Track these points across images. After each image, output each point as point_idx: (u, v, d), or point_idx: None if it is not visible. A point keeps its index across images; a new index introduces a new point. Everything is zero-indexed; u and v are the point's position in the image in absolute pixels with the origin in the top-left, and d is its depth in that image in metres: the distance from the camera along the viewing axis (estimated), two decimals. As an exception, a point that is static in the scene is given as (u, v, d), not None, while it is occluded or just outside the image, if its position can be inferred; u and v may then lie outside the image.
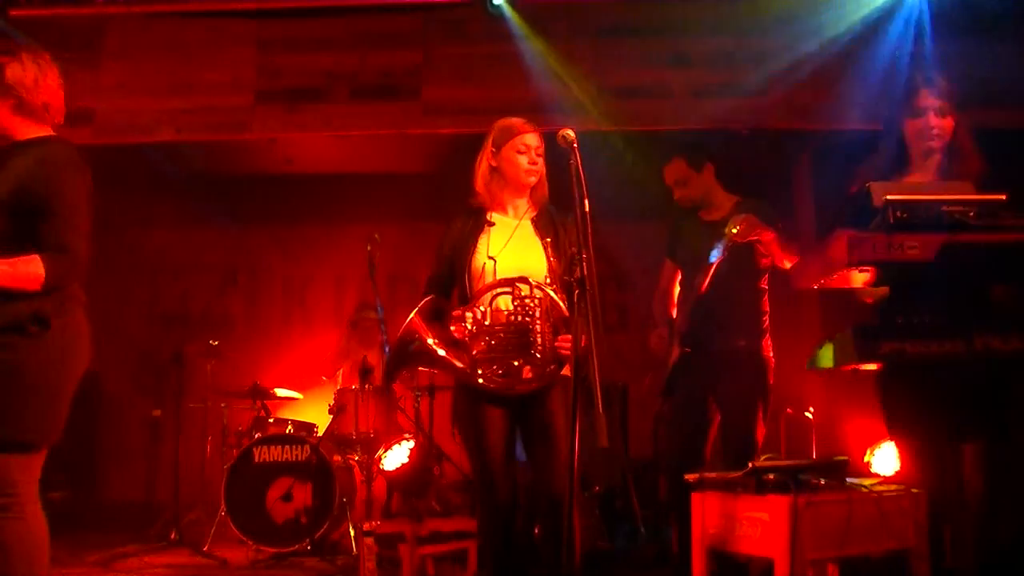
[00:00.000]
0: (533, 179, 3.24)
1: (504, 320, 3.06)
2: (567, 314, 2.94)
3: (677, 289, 4.00)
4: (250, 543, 5.19)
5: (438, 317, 3.15)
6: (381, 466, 5.54)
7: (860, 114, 5.41)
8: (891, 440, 3.07)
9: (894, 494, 2.89)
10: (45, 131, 2.92)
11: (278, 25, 5.95)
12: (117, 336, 7.92)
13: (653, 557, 4.59)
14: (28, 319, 2.65)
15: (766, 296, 3.82)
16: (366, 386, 5.45)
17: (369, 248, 4.94)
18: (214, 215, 7.80)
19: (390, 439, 5.59)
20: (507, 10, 5.51)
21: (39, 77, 2.90)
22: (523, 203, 3.29)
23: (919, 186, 2.85)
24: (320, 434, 5.58)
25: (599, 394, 2.54)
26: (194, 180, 7.19)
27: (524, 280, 3.07)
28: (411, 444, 5.60)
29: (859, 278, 2.67)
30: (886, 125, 3.04)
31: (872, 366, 2.78)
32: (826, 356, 2.75)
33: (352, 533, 5.23)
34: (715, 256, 3.51)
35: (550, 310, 3.06)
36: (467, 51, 5.80)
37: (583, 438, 2.75)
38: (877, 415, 2.92)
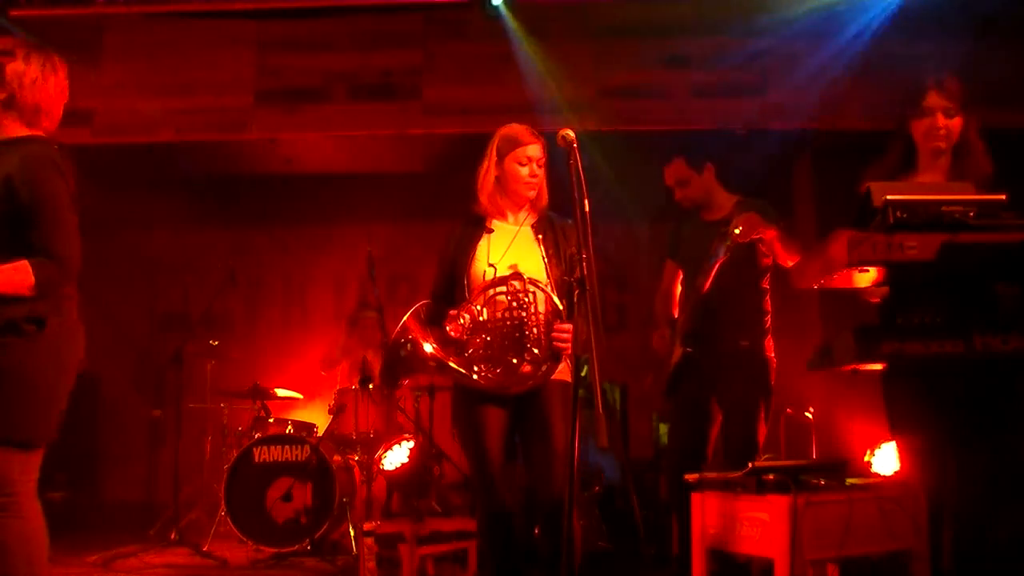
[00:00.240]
0: (533, 192, 3.25)
1: (499, 317, 3.07)
2: (562, 308, 2.94)
3: (679, 289, 4.00)
4: (250, 543, 5.19)
5: (436, 321, 3.15)
6: (381, 466, 5.54)
7: (861, 113, 5.42)
8: (893, 440, 3.07)
9: (894, 494, 2.90)
10: (33, 132, 2.91)
11: (278, 25, 5.95)
12: (117, 336, 7.92)
13: (653, 557, 4.59)
14: (24, 319, 2.65)
15: (768, 296, 3.82)
16: (366, 386, 5.45)
17: (368, 248, 4.94)
18: (214, 215, 7.80)
19: (390, 439, 5.60)
20: (504, 11, 5.51)
21: (39, 79, 2.89)
22: (523, 210, 3.30)
23: (919, 186, 2.85)
24: (320, 434, 5.58)
25: (599, 394, 2.54)
26: (194, 180, 7.19)
27: (517, 276, 3.07)
28: (411, 444, 5.60)
29: (865, 278, 2.66)
30: (895, 126, 3.03)
31: (873, 366, 2.78)
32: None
33: (352, 533, 5.23)
34: (716, 256, 3.51)
35: (545, 306, 3.06)
36: (467, 51, 5.81)
37: (583, 438, 2.76)
38: (878, 415, 2.92)
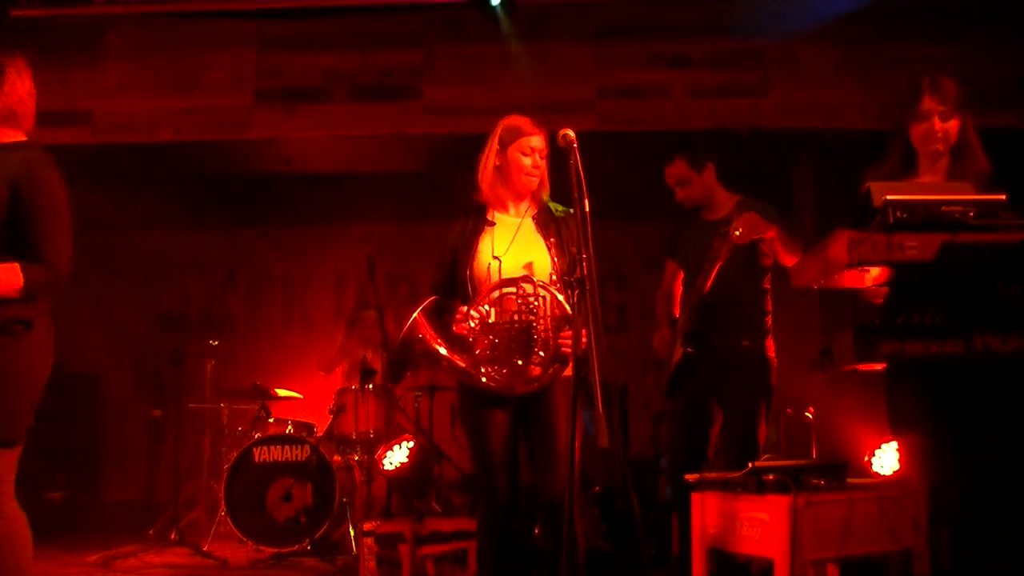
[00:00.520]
0: (534, 183, 3.24)
1: (508, 319, 3.07)
2: (570, 313, 2.94)
3: (680, 289, 4.00)
4: (250, 543, 5.19)
5: (441, 317, 3.16)
6: (381, 466, 5.54)
7: (861, 113, 5.43)
8: (893, 439, 3.07)
9: (894, 494, 2.90)
10: (18, 136, 2.92)
11: (278, 25, 5.95)
12: (117, 336, 7.93)
13: (653, 557, 4.59)
14: (13, 320, 2.67)
15: (769, 296, 3.82)
16: (366, 386, 5.45)
17: (368, 248, 4.94)
18: (214, 215, 7.80)
19: (390, 439, 5.60)
20: (500, 12, 5.51)
21: (9, 83, 2.89)
22: (524, 202, 3.29)
23: (918, 186, 2.85)
24: (320, 434, 5.58)
25: (599, 394, 2.54)
26: (194, 180, 7.19)
27: (528, 279, 3.07)
28: (411, 444, 5.60)
29: (865, 278, 2.66)
30: (894, 128, 3.03)
31: (873, 366, 2.77)
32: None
33: (352, 533, 5.23)
34: (716, 256, 3.51)
35: (553, 309, 3.06)
36: (467, 51, 5.80)
37: (583, 438, 2.76)
38: (878, 415, 2.92)
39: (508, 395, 3.09)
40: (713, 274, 3.55)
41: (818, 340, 5.31)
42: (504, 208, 3.28)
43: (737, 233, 3.41)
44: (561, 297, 3.02)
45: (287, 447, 5.40)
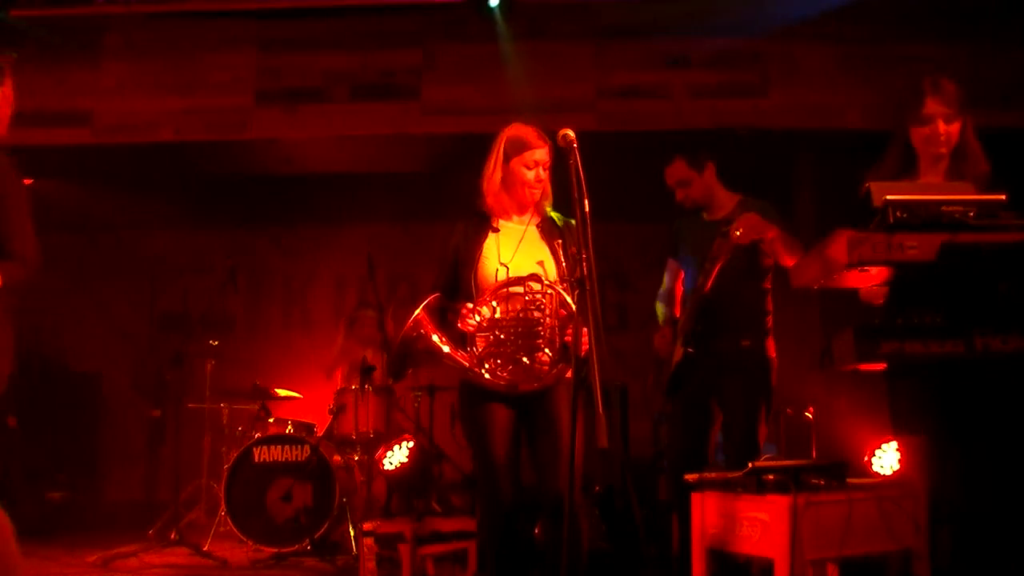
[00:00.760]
0: (537, 194, 3.25)
1: (514, 316, 3.07)
2: (575, 310, 2.94)
3: (680, 289, 4.00)
4: (250, 543, 5.19)
5: (443, 315, 3.16)
6: (381, 466, 5.54)
7: (861, 113, 5.43)
8: (894, 439, 3.07)
9: (894, 494, 2.89)
10: None
11: (278, 25, 5.95)
12: (117, 336, 7.94)
13: (653, 557, 4.59)
14: None
15: (769, 296, 3.82)
16: (366, 386, 5.45)
17: (368, 248, 4.94)
18: (214, 215, 7.80)
19: (390, 439, 5.60)
20: (497, 14, 5.52)
21: None
22: (527, 212, 3.30)
23: (918, 186, 2.85)
24: (320, 434, 5.58)
25: (599, 394, 2.54)
26: (194, 180, 7.19)
27: (536, 278, 3.08)
28: (411, 444, 5.60)
29: (869, 278, 2.66)
30: (894, 129, 3.03)
31: (873, 366, 2.77)
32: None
33: (352, 533, 5.23)
34: (717, 257, 3.50)
35: (559, 308, 3.06)
36: (467, 51, 5.80)
37: (583, 438, 2.76)
38: (878, 415, 2.92)
39: (510, 393, 3.09)
40: (714, 274, 3.55)
41: (818, 340, 5.32)
42: (507, 217, 3.29)
43: (738, 233, 3.41)
44: (568, 297, 3.03)
45: (287, 447, 5.40)
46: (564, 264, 3.14)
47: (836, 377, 3.44)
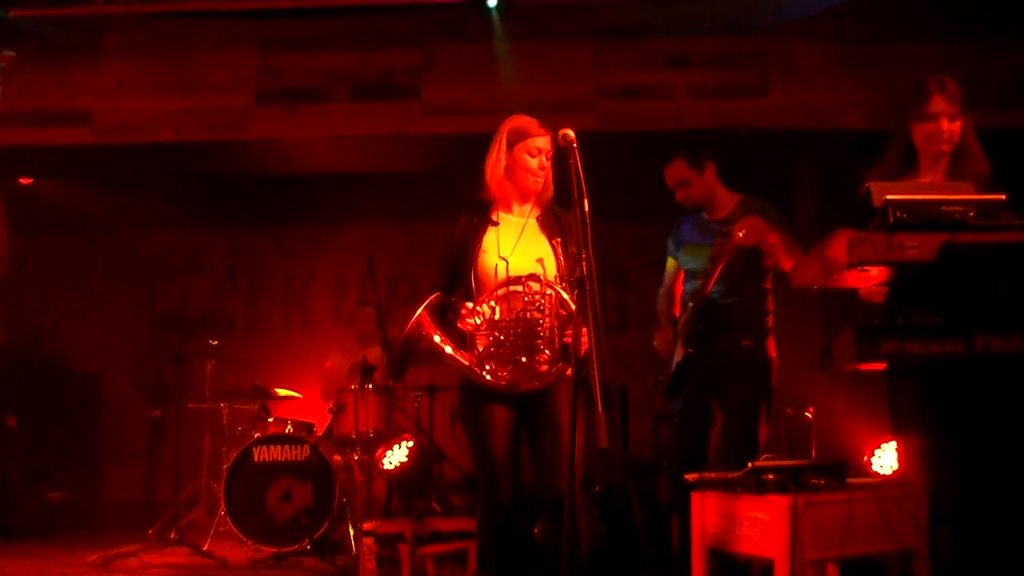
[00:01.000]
0: (540, 183, 3.24)
1: (513, 316, 3.07)
2: (574, 309, 2.94)
3: (681, 289, 3.99)
4: (250, 543, 5.19)
5: (444, 314, 3.16)
6: (381, 466, 5.54)
7: (861, 113, 5.43)
8: (895, 439, 3.06)
9: (894, 494, 2.89)
10: None
11: (278, 25, 5.96)
12: (117, 336, 7.94)
13: (653, 557, 4.59)
14: None
15: (770, 296, 3.82)
16: (366, 386, 5.45)
17: (368, 247, 4.94)
18: (214, 215, 7.81)
19: (390, 439, 5.60)
20: (495, 15, 5.52)
21: None
22: (529, 203, 3.30)
23: (918, 186, 2.85)
24: (320, 434, 5.58)
25: (599, 394, 2.54)
26: (194, 180, 7.20)
27: (535, 278, 3.07)
28: (411, 444, 5.60)
29: (869, 278, 2.66)
30: (894, 128, 3.03)
31: (873, 366, 2.77)
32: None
33: (352, 533, 5.23)
34: (719, 257, 3.50)
35: (559, 308, 3.06)
36: (467, 51, 5.80)
37: (584, 438, 2.75)
38: (878, 415, 2.92)
39: (511, 393, 3.09)
40: (716, 275, 3.55)
41: (818, 340, 5.32)
42: (508, 208, 3.29)
43: (740, 235, 3.41)
44: (567, 296, 3.02)
45: (287, 447, 5.40)
46: (564, 260, 3.14)
47: (836, 377, 3.44)
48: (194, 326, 6.38)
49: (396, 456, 5.57)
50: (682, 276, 3.96)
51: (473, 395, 3.17)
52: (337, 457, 5.53)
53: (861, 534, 2.80)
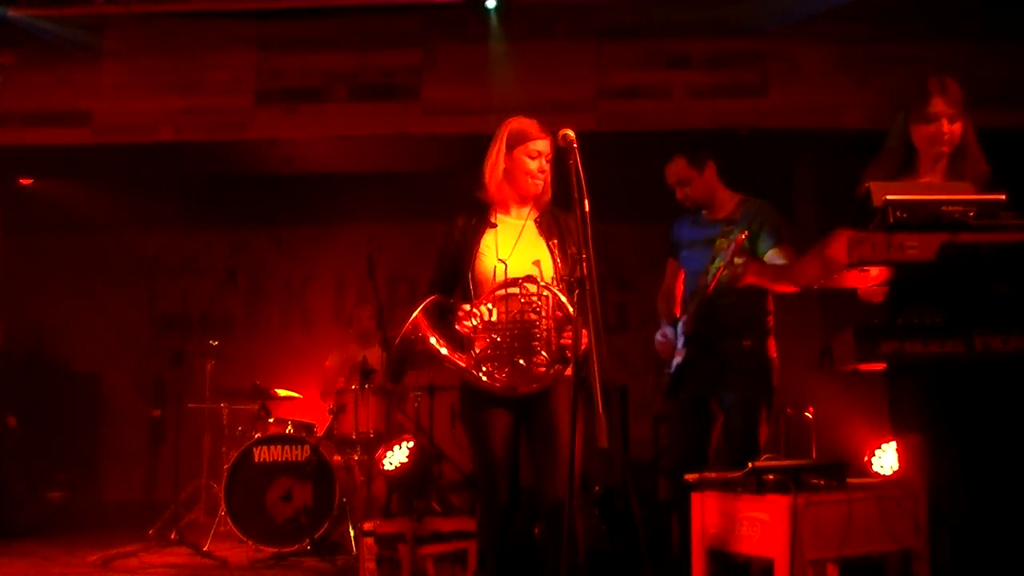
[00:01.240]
0: (539, 185, 3.24)
1: (511, 318, 3.07)
2: (572, 311, 2.93)
3: (681, 288, 3.99)
4: (250, 543, 5.19)
5: (442, 316, 3.15)
6: (381, 466, 5.54)
7: (861, 113, 5.43)
8: (894, 439, 3.06)
9: (894, 494, 2.89)
10: None
11: (278, 25, 5.96)
12: (117, 336, 7.94)
13: (653, 557, 4.59)
14: None
15: (770, 296, 3.81)
16: (366, 386, 5.45)
17: (368, 247, 4.93)
18: (214, 215, 7.81)
19: (390, 439, 5.59)
20: (492, 15, 5.52)
21: None
22: (527, 205, 3.30)
23: (918, 186, 2.85)
24: (320, 434, 5.58)
25: (599, 394, 2.54)
26: (194, 180, 7.20)
27: (532, 279, 3.07)
28: (411, 444, 5.60)
29: (869, 278, 2.66)
30: (894, 128, 3.03)
31: (873, 366, 2.77)
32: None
33: (352, 533, 5.23)
34: (721, 258, 3.49)
35: (556, 309, 3.06)
36: (467, 51, 5.80)
37: (583, 439, 2.75)
38: (878, 415, 2.92)
39: (509, 395, 3.09)
40: (718, 276, 3.54)
41: (818, 340, 5.32)
42: (507, 210, 3.29)
43: (737, 262, 3.40)
44: (564, 298, 3.02)
45: (287, 447, 5.40)
46: (562, 262, 3.13)
47: (836, 377, 3.43)
48: (194, 326, 6.38)
49: (396, 456, 5.56)
50: (682, 276, 3.95)
51: (472, 397, 3.17)
52: (337, 457, 5.52)
53: (861, 534, 2.80)
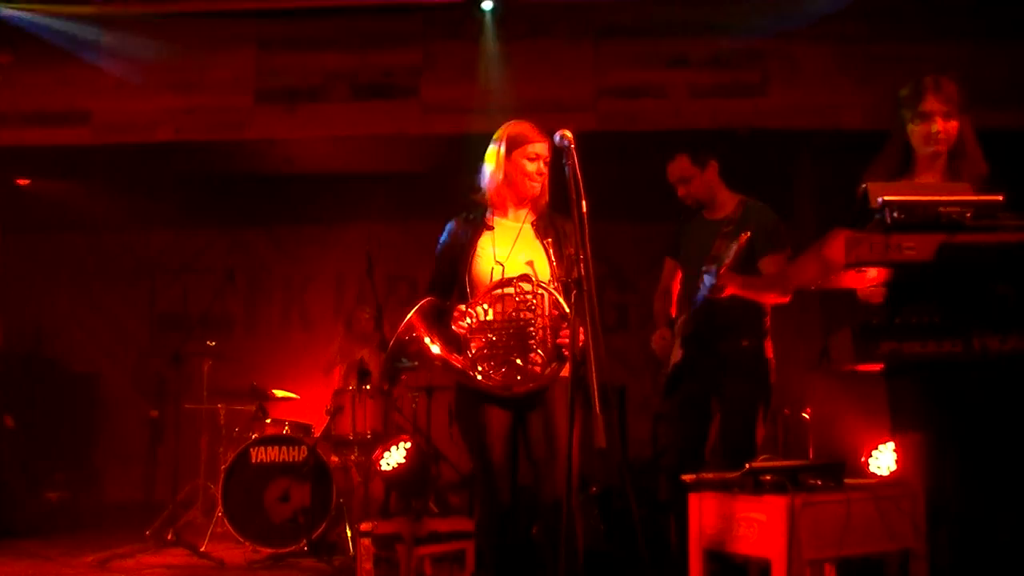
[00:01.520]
0: (537, 188, 3.25)
1: (506, 318, 3.06)
2: (568, 312, 2.93)
3: (678, 288, 3.99)
4: (247, 543, 5.18)
5: (438, 317, 3.15)
6: (379, 467, 5.53)
7: (861, 113, 5.42)
8: (893, 439, 3.06)
9: (892, 494, 2.88)
10: None
11: (278, 25, 5.96)
12: (116, 336, 7.94)
13: (651, 558, 4.58)
14: None
15: (766, 299, 3.81)
16: (363, 387, 5.44)
17: (367, 247, 4.93)
18: (214, 215, 7.80)
19: (387, 440, 5.59)
20: (488, 17, 5.53)
21: None
22: (525, 207, 3.29)
23: (916, 186, 2.85)
24: (317, 435, 5.57)
25: (596, 394, 2.54)
26: (193, 180, 7.19)
27: (527, 278, 3.07)
28: (408, 445, 5.60)
29: (867, 278, 2.66)
30: (892, 128, 3.03)
31: (871, 366, 2.77)
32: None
33: (349, 534, 5.22)
34: (721, 260, 3.47)
35: (551, 309, 3.05)
36: (466, 51, 5.80)
37: (581, 438, 2.75)
38: (876, 415, 2.92)
39: (506, 395, 3.08)
40: (719, 276, 3.53)
41: (817, 340, 5.31)
42: (504, 213, 3.29)
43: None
44: (559, 296, 3.02)
45: (284, 448, 5.40)
46: (558, 263, 3.13)
47: (834, 377, 3.43)
48: (192, 326, 6.37)
49: (393, 457, 5.56)
50: (679, 276, 3.95)
51: (469, 397, 3.17)
52: (335, 458, 5.52)
53: (859, 534, 2.78)
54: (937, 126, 2.88)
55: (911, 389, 2.73)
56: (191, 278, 7.93)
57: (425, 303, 3.14)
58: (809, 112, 5.61)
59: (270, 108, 5.95)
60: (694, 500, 3.04)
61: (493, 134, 3.30)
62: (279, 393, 5.87)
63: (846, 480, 2.94)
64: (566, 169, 2.79)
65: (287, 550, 5.15)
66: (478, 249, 3.20)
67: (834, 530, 2.74)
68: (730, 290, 3.47)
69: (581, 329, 2.80)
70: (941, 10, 5.41)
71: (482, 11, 5.57)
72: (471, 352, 3.08)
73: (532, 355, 3.05)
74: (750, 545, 2.82)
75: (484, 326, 3.07)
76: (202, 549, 5.17)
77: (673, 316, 3.94)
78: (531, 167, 3.21)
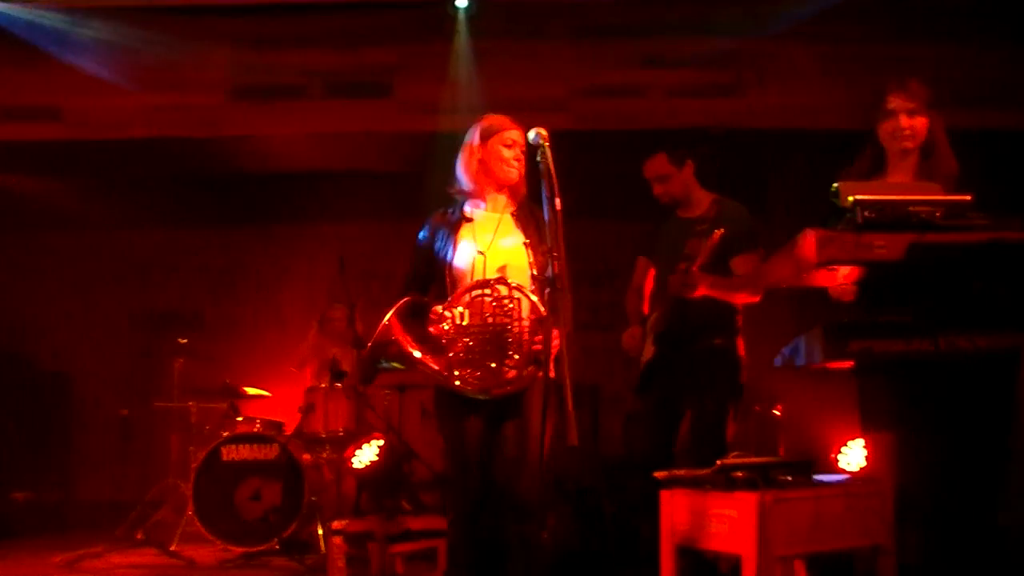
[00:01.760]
0: (515, 174, 3.25)
1: (482, 321, 3.06)
2: (543, 312, 2.93)
3: (651, 286, 4.00)
4: (218, 543, 5.15)
5: (415, 315, 3.14)
6: (351, 464, 5.51)
7: (846, 114, 5.45)
8: (863, 436, 3.10)
9: (862, 490, 2.91)
10: None
11: (254, 21, 5.91)
12: (85, 335, 7.84)
13: (623, 555, 4.60)
14: None
15: (738, 296, 3.83)
16: (335, 384, 5.42)
17: (340, 245, 4.91)
18: (186, 213, 7.73)
19: (360, 437, 5.57)
20: (461, 15, 5.53)
21: None
22: (503, 198, 3.29)
23: (887, 186, 2.88)
24: (289, 433, 5.54)
25: (570, 393, 2.54)
26: (166, 178, 7.12)
27: (502, 281, 3.07)
28: (381, 443, 5.58)
29: (838, 277, 2.68)
30: (867, 128, 3.07)
31: (842, 364, 2.80)
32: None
33: (321, 532, 5.20)
34: (693, 258, 3.50)
35: (530, 312, 3.05)
36: (443, 49, 5.78)
37: (554, 437, 2.76)
38: (846, 412, 2.94)
39: (483, 397, 3.08)
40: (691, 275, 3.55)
41: (789, 339, 5.34)
42: (483, 202, 3.29)
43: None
44: (536, 299, 3.02)
45: (256, 446, 5.36)
46: (539, 253, 3.13)
47: (804, 375, 3.45)
48: (164, 324, 6.32)
49: (366, 454, 5.54)
50: (652, 274, 3.97)
51: (447, 399, 3.17)
52: (306, 456, 5.49)
53: (829, 531, 2.81)
54: (902, 123, 2.93)
55: (881, 387, 2.75)
56: (163, 276, 7.86)
57: (403, 304, 3.13)
58: (788, 113, 5.64)
59: (245, 105, 5.90)
60: (666, 497, 3.06)
61: (472, 124, 3.31)
62: (251, 391, 5.83)
63: (816, 477, 2.97)
64: (540, 166, 2.79)
65: (258, 549, 5.12)
66: (459, 241, 3.20)
67: (804, 526, 2.77)
68: (701, 291, 3.49)
69: (556, 332, 2.81)
70: (927, 11, 5.45)
71: (456, 8, 5.56)
72: (449, 355, 3.07)
73: (509, 359, 3.04)
74: (721, 542, 2.84)
75: (460, 330, 3.06)
76: (172, 548, 5.13)
77: (645, 314, 3.95)
78: (508, 153, 3.22)
